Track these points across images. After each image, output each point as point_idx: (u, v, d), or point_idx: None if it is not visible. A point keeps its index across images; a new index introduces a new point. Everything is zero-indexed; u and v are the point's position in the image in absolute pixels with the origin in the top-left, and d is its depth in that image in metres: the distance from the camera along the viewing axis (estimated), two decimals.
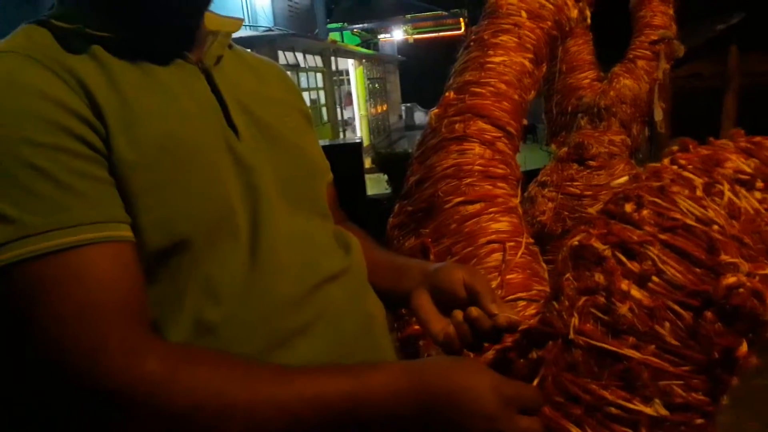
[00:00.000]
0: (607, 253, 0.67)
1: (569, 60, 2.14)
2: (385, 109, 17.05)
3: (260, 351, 0.60)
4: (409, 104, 21.35)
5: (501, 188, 1.04)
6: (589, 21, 1.28)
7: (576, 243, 0.70)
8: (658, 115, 2.02)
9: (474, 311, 0.68)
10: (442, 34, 18.36)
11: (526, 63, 1.18)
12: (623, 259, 0.66)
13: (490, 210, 1.00)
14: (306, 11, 12.86)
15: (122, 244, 0.55)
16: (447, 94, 1.18)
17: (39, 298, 0.50)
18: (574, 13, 1.23)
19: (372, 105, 15.62)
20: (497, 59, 1.16)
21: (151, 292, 0.57)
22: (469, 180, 1.04)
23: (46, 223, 0.51)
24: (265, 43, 9.03)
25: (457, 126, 1.11)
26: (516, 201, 1.05)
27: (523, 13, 1.20)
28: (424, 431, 0.58)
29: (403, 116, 20.56)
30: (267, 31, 10.25)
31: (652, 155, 2.50)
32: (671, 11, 2.07)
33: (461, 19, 17.12)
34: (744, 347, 0.61)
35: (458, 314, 0.69)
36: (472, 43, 1.23)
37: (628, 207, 0.68)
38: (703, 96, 4.30)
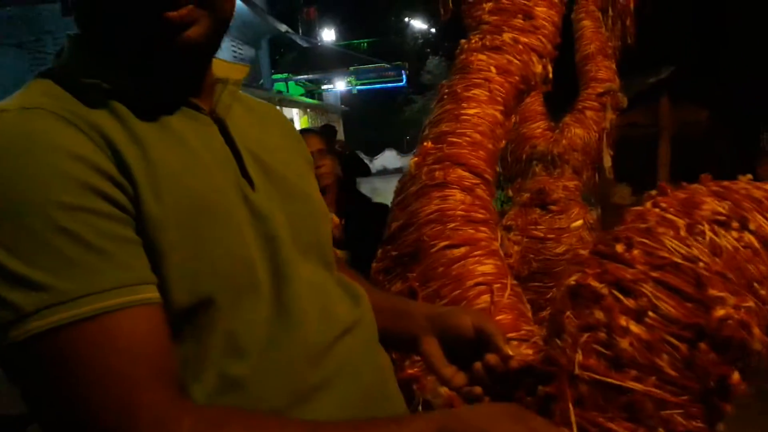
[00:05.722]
0: (605, 291, 0.71)
1: (522, 111, 2.26)
2: None
3: (285, 406, 0.59)
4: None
5: (483, 232, 1.09)
6: (551, 76, 1.37)
7: (573, 282, 0.74)
8: (607, 161, 2.15)
9: (492, 359, 0.70)
10: (384, 85, 18.86)
11: (498, 115, 1.25)
12: (620, 296, 0.70)
13: (475, 253, 1.04)
14: (251, 62, 13.01)
15: (151, 307, 0.54)
16: (425, 143, 1.23)
17: (72, 364, 0.50)
18: (539, 68, 1.32)
19: None
20: (471, 111, 1.22)
21: (176, 350, 0.56)
22: (452, 225, 1.08)
23: (77, 289, 0.50)
24: None
25: (437, 173, 1.16)
26: (497, 244, 1.09)
27: (493, 69, 1.27)
28: None
29: None
30: None
31: (599, 199, 2.63)
32: (614, 66, 2.24)
33: (403, 72, 17.69)
34: (737, 375, 0.66)
35: (477, 365, 0.71)
36: (445, 96, 1.29)
37: (619, 247, 0.73)
38: (639, 143, 4.63)
